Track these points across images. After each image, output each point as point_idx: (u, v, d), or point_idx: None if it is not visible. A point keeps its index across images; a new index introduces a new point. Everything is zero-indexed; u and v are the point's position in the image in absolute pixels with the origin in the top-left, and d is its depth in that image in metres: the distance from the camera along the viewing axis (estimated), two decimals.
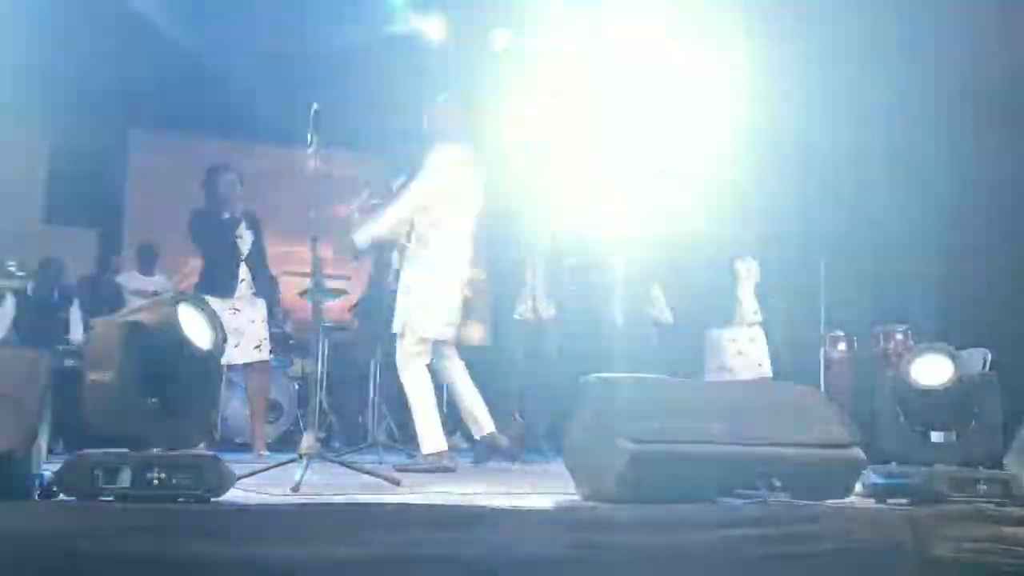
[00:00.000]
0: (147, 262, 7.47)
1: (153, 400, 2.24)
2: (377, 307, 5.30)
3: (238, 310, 5.05)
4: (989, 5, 5.75)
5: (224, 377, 5.89)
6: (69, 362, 5.73)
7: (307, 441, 3.15)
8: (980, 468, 2.75)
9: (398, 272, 5.18)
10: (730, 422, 2.61)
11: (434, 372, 4.40)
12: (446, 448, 4.21)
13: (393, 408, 5.90)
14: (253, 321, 5.13)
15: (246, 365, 5.21)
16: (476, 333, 9.02)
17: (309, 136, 3.54)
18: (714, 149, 7.25)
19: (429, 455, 4.14)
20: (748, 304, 5.99)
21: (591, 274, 7.11)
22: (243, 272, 5.15)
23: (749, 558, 2.29)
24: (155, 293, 6.31)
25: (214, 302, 4.88)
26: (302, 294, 7.16)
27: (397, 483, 3.18)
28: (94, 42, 7.07)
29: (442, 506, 2.35)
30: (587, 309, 6.97)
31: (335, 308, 6.91)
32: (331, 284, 6.62)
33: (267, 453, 5.23)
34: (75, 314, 6.46)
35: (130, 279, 7.38)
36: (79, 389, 2.20)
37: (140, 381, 2.21)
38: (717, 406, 2.67)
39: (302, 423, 6.79)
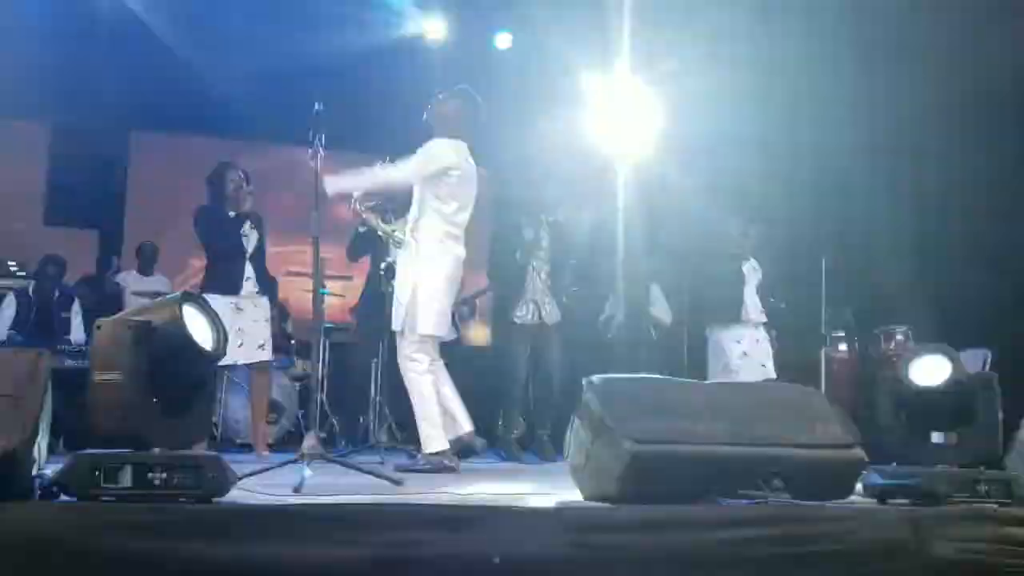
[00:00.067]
0: (147, 262, 7.47)
1: (155, 400, 2.24)
2: (377, 307, 5.29)
3: (242, 309, 5.05)
4: (990, 6, 5.75)
5: (226, 377, 5.90)
6: (70, 362, 5.74)
7: (308, 441, 3.15)
8: (981, 469, 2.75)
9: (394, 270, 5.17)
10: (731, 423, 2.61)
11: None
12: (448, 447, 4.20)
13: (394, 408, 5.89)
14: (257, 321, 5.13)
15: (248, 365, 5.20)
16: (480, 333, 9.03)
17: (311, 136, 3.54)
18: (716, 150, 7.26)
19: (431, 455, 4.13)
20: (752, 305, 5.98)
21: (592, 275, 7.12)
22: (248, 270, 5.15)
23: (750, 558, 2.29)
24: (156, 293, 6.30)
25: (219, 300, 4.91)
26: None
27: (399, 483, 3.18)
28: (95, 44, 7.08)
29: (443, 506, 2.35)
30: (588, 310, 6.97)
31: (336, 308, 6.90)
32: (333, 284, 6.64)
33: (268, 453, 5.23)
34: (76, 314, 6.46)
35: (130, 279, 7.37)
36: (81, 389, 2.20)
37: (147, 381, 2.21)
38: (718, 406, 2.67)
39: (303, 423, 6.79)
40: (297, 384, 7.10)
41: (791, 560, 2.32)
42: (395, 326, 4.31)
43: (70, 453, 2.21)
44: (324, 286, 4.42)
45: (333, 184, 4.12)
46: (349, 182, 4.22)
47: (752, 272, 6.06)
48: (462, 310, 7.64)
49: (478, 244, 9.16)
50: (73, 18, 6.93)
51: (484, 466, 5.16)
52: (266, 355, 5.24)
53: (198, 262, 8.50)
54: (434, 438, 4.15)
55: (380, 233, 4.98)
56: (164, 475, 2.13)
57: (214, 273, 5.15)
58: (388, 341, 5.06)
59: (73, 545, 1.96)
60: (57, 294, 6.47)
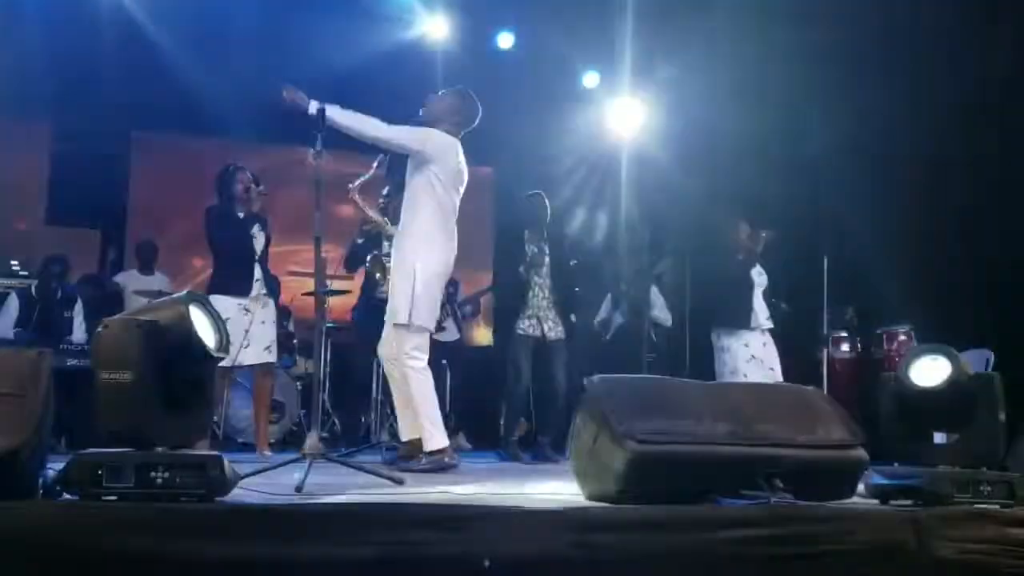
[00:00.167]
0: (147, 261, 7.47)
1: (161, 400, 2.25)
2: (373, 314, 5.27)
3: (250, 311, 5.05)
4: (991, 6, 5.75)
5: (229, 377, 5.90)
6: (72, 361, 5.74)
7: (310, 441, 3.15)
8: (984, 469, 2.75)
9: (380, 260, 5.15)
10: (733, 423, 2.61)
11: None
12: (448, 444, 4.19)
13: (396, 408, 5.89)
14: (264, 322, 5.13)
15: (253, 366, 5.20)
16: (482, 333, 9.05)
17: (314, 137, 3.54)
18: (717, 150, 7.26)
19: (432, 453, 4.12)
20: (760, 309, 5.99)
21: (593, 276, 7.12)
22: (257, 272, 5.16)
23: (751, 559, 2.29)
24: (159, 292, 6.31)
25: (227, 301, 4.92)
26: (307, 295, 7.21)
27: (400, 483, 3.19)
28: (97, 44, 7.08)
29: (444, 506, 2.35)
30: (589, 312, 6.98)
31: (338, 308, 6.90)
32: (334, 284, 6.64)
33: (270, 453, 5.24)
34: (78, 314, 6.47)
35: (130, 279, 7.37)
36: (83, 388, 2.20)
37: (155, 381, 2.22)
38: (720, 407, 2.67)
39: (305, 423, 6.80)
40: (299, 383, 7.10)
41: (792, 560, 2.32)
42: (400, 318, 4.19)
43: (73, 452, 2.21)
44: (326, 285, 4.41)
45: (336, 113, 4.05)
46: (349, 119, 4.11)
47: (759, 277, 6.07)
48: (465, 309, 7.65)
49: (479, 243, 9.23)
50: (75, 18, 6.94)
51: (485, 466, 5.17)
52: (272, 357, 5.26)
53: (199, 261, 8.55)
54: (434, 436, 4.13)
55: (372, 224, 4.98)
56: (167, 474, 2.13)
57: (223, 274, 5.14)
58: None
59: (76, 544, 1.97)
60: (59, 294, 6.48)
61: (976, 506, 2.62)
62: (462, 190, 4.38)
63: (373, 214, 4.93)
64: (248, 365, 5.15)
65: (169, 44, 7.12)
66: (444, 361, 7.04)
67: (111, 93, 7.58)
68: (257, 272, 5.16)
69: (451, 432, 5.99)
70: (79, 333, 6.31)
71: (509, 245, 6.10)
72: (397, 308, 4.21)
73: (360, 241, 5.87)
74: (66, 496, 2.14)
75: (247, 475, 2.62)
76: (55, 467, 2.20)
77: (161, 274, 7.50)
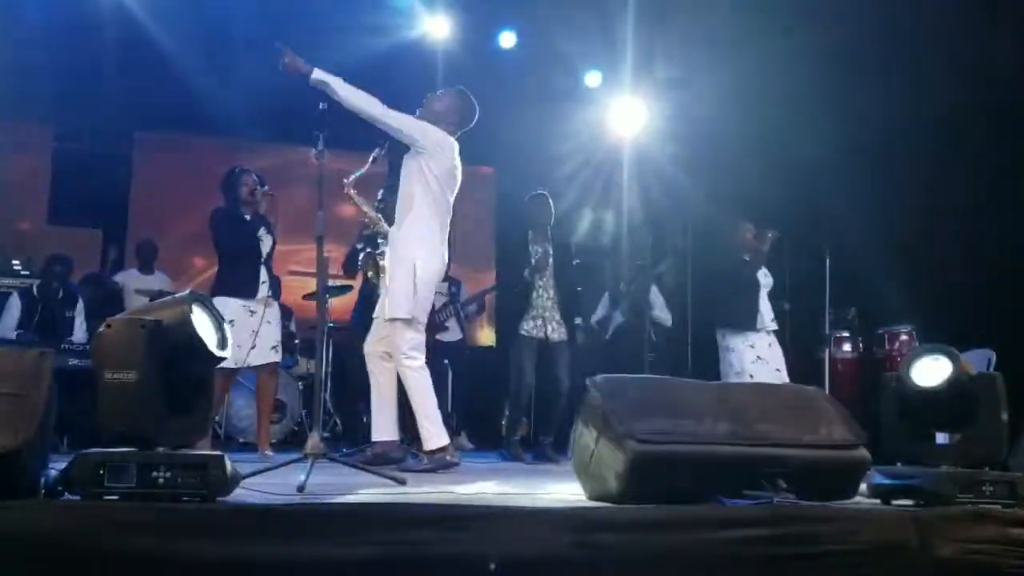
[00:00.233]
0: (147, 260, 7.47)
1: (164, 400, 2.25)
2: (371, 317, 5.27)
3: (255, 312, 5.05)
4: (992, 6, 5.74)
5: (231, 377, 5.91)
6: (73, 361, 5.75)
7: (312, 441, 3.15)
8: (987, 469, 2.74)
9: (372, 257, 5.13)
10: (735, 423, 2.61)
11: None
12: (449, 442, 4.18)
13: (398, 408, 5.89)
14: (270, 323, 5.14)
15: (259, 366, 5.20)
16: (486, 334, 9.05)
17: (315, 136, 3.54)
18: (718, 150, 7.26)
19: (433, 451, 4.11)
20: (766, 310, 5.99)
21: (594, 276, 7.12)
22: (263, 274, 5.17)
23: (753, 559, 2.28)
24: (160, 292, 6.31)
25: (234, 303, 4.93)
26: (308, 297, 7.21)
27: (402, 482, 3.19)
28: (99, 45, 7.09)
29: (445, 506, 2.35)
30: (590, 312, 6.98)
31: (339, 308, 6.91)
32: (336, 284, 6.64)
33: (271, 453, 5.24)
34: (79, 313, 6.47)
35: (130, 278, 7.37)
36: (84, 388, 2.20)
37: (159, 381, 2.22)
38: (722, 407, 2.67)
39: (307, 423, 6.80)
40: (300, 383, 7.10)
41: (794, 560, 2.31)
42: (401, 313, 4.14)
43: (74, 452, 2.22)
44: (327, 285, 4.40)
45: (339, 85, 4.04)
46: (351, 94, 4.09)
47: (764, 278, 6.07)
48: (468, 308, 7.65)
49: (480, 243, 9.23)
50: (77, 20, 6.94)
51: (486, 466, 5.17)
52: (278, 356, 5.28)
53: (201, 261, 8.55)
54: (434, 435, 4.12)
55: (366, 219, 4.96)
56: (168, 474, 2.13)
57: (229, 275, 5.14)
58: None
59: (77, 544, 1.97)
60: (61, 293, 6.48)
61: (978, 506, 2.61)
62: (455, 192, 4.37)
63: (368, 209, 4.91)
64: (255, 365, 5.14)
65: (171, 44, 7.12)
66: (446, 361, 7.04)
67: (113, 93, 7.59)
68: (263, 274, 5.17)
69: (453, 432, 6.00)
70: (80, 333, 6.32)
71: (512, 246, 6.09)
72: (397, 303, 4.16)
73: (359, 245, 5.87)
74: (68, 496, 2.14)
75: (248, 475, 2.62)
76: (57, 467, 2.20)
77: (161, 273, 7.50)
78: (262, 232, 5.21)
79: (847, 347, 6.67)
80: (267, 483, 2.66)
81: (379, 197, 5.57)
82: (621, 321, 6.98)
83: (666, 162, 7.62)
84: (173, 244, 8.23)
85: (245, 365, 4.98)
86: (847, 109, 6.41)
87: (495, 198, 9.49)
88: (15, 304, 6.33)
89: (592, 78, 8.22)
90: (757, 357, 5.83)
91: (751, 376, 5.74)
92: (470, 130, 4.49)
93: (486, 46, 7.89)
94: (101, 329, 2.25)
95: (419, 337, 4.22)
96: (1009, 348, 5.42)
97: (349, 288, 6.64)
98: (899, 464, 2.87)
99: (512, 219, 6.54)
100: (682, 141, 7.54)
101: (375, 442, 4.33)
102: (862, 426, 2.76)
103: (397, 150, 4.39)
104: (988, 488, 2.67)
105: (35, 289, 6.44)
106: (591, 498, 2.64)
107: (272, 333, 5.18)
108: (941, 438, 3.05)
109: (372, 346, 4.37)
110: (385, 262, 4.53)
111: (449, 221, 4.37)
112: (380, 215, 5.20)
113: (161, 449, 2.21)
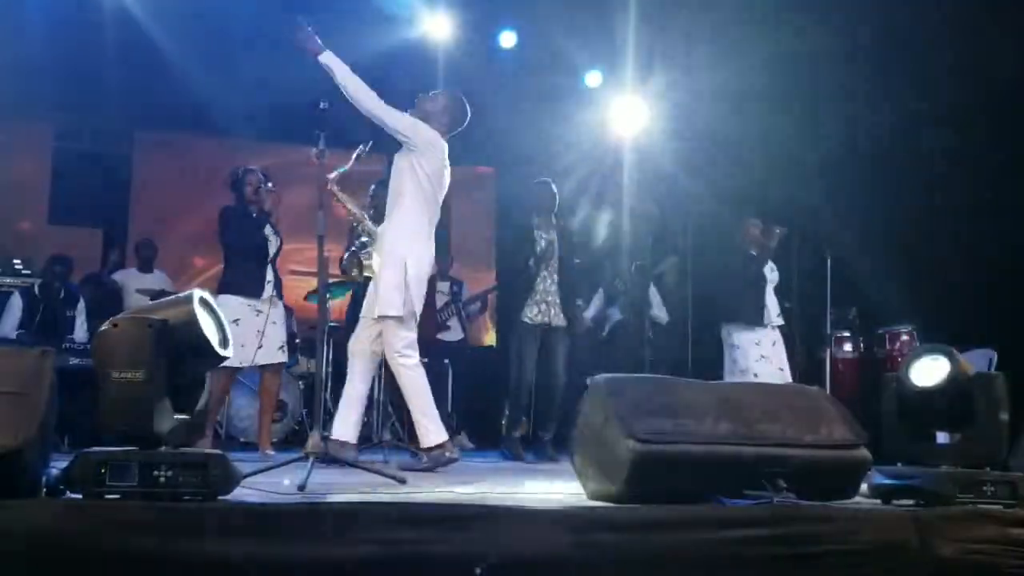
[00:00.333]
0: (147, 260, 7.47)
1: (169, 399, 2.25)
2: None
3: (261, 311, 5.05)
4: (992, 6, 5.74)
5: (233, 377, 5.91)
6: (74, 360, 5.75)
7: (312, 440, 3.15)
8: (987, 469, 2.75)
9: (358, 257, 5.12)
10: (735, 422, 2.61)
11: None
12: (447, 438, 4.17)
13: (397, 407, 5.90)
14: (275, 323, 5.14)
15: (265, 365, 5.20)
16: (486, 334, 9.05)
17: (316, 135, 3.54)
18: (719, 149, 7.26)
19: (432, 448, 4.10)
20: (772, 306, 5.98)
21: (592, 275, 7.12)
22: (269, 274, 5.17)
23: (754, 559, 2.28)
24: (161, 291, 6.31)
25: (239, 302, 4.93)
26: (309, 296, 7.20)
27: (402, 482, 3.19)
28: (99, 44, 7.08)
29: (445, 505, 2.35)
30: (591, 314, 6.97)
31: (340, 308, 6.90)
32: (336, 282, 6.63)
33: (272, 452, 5.24)
34: (80, 313, 6.47)
35: (130, 277, 7.37)
36: (86, 387, 2.20)
37: (165, 380, 2.22)
38: (723, 406, 2.67)
39: (307, 422, 6.80)
40: (301, 383, 7.10)
41: (795, 560, 2.32)
42: (392, 311, 4.10)
43: (75, 451, 2.22)
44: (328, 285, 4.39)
45: (344, 73, 4.03)
46: (351, 82, 4.07)
47: (771, 274, 6.07)
48: (471, 308, 7.65)
49: (480, 243, 9.23)
50: (77, 20, 6.93)
51: (487, 466, 5.18)
52: (284, 356, 5.29)
53: (201, 261, 8.55)
54: (432, 431, 4.10)
55: (351, 217, 4.94)
56: (170, 473, 2.13)
57: (235, 274, 5.13)
58: None
59: (78, 543, 1.97)
60: (62, 293, 6.48)
61: (978, 506, 2.62)
62: (444, 193, 4.37)
63: (352, 207, 4.88)
64: (261, 365, 5.14)
65: (171, 44, 7.11)
66: (446, 361, 7.03)
67: (113, 93, 7.58)
68: (269, 274, 5.17)
69: (454, 432, 6.00)
70: (81, 332, 6.32)
71: (516, 234, 6.07)
72: (388, 300, 4.12)
73: (354, 248, 5.86)
74: (69, 495, 2.14)
75: (249, 474, 2.62)
76: (58, 466, 2.20)
77: (161, 273, 7.50)
78: (269, 232, 5.21)
79: (848, 347, 6.67)
80: (268, 482, 2.66)
81: (371, 192, 5.56)
82: (619, 319, 6.98)
83: (666, 161, 7.62)
84: (173, 244, 8.22)
85: (252, 364, 4.97)
86: (847, 109, 6.41)
87: (495, 198, 9.48)
88: (16, 304, 6.33)
89: (593, 78, 8.21)
90: (761, 356, 5.83)
91: (755, 374, 5.74)
92: (470, 130, 4.49)
93: (486, 46, 7.88)
94: (106, 328, 2.24)
95: (412, 335, 4.19)
96: (1009, 348, 5.43)
97: (350, 287, 6.63)
98: (899, 464, 2.87)
99: (517, 207, 6.52)
100: (682, 140, 7.54)
101: (333, 439, 4.18)
102: (863, 426, 2.76)
103: (387, 147, 4.38)
104: (988, 488, 2.67)
105: (36, 289, 6.44)
106: (591, 498, 2.64)
107: (278, 333, 5.18)
108: (941, 438, 3.05)
109: (357, 345, 4.33)
110: (372, 260, 4.50)
111: (436, 222, 4.36)
112: (372, 209, 5.20)
113: (162, 448, 2.21)
